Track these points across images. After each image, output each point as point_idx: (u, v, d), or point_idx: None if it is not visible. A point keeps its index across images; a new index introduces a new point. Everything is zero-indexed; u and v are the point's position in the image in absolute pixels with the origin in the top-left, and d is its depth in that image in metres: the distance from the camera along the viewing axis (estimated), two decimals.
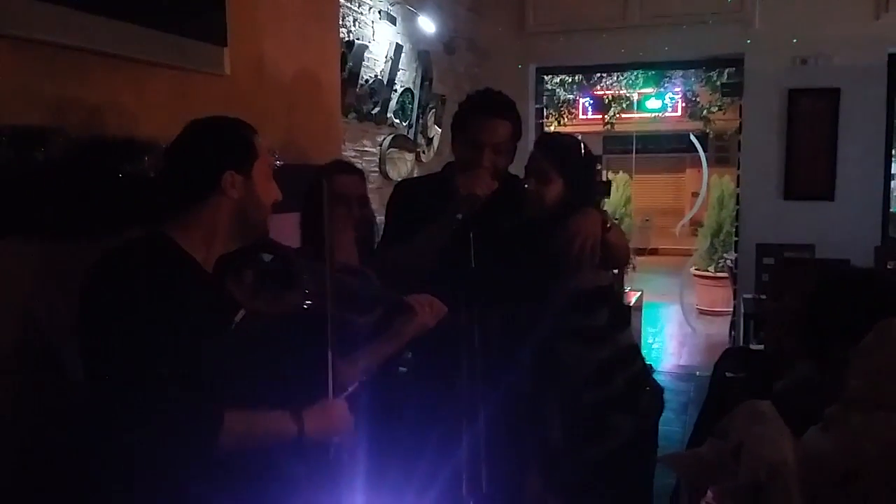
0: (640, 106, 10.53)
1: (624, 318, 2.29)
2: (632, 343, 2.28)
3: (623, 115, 10.38)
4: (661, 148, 14.08)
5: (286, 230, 1.86)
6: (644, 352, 6.29)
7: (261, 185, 1.58)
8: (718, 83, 8.18)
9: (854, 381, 1.50)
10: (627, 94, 9.72)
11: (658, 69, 8.22)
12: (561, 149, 2.16)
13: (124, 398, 1.33)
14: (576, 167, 2.13)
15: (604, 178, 9.93)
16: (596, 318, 2.14)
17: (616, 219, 10.97)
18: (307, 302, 1.54)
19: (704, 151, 9.65)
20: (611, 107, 10.04)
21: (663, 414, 2.26)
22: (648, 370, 2.36)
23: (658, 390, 2.34)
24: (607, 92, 9.66)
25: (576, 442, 2.13)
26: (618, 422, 2.13)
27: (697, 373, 6.08)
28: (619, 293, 2.37)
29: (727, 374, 2.41)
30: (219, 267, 1.56)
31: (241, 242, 1.59)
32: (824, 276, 2.11)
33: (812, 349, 1.86)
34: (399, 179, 4.66)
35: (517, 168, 2.26)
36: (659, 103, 10.35)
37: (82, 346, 1.41)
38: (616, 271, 4.73)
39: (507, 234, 2.09)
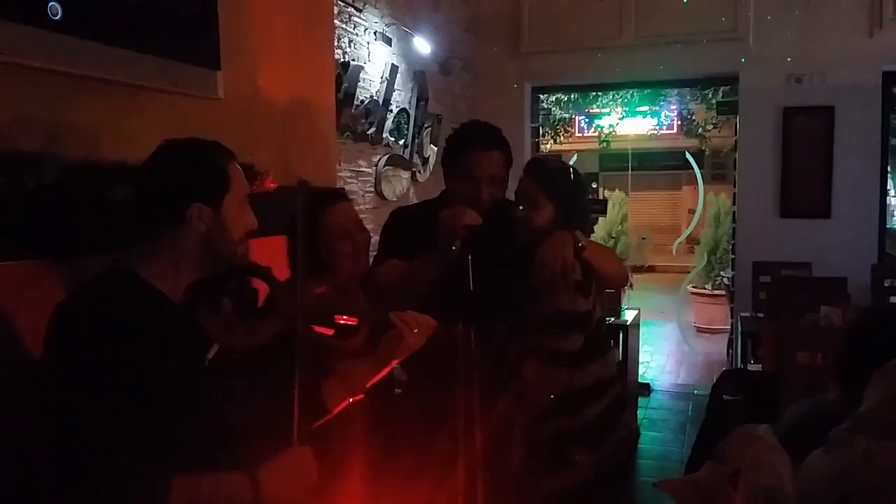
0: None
1: (601, 350, 2.21)
2: (607, 377, 2.18)
3: (618, 132, 10.40)
4: (658, 165, 14.13)
5: (276, 253, 1.83)
6: (641, 370, 6.28)
7: (231, 217, 1.47)
8: (714, 101, 8.19)
9: (868, 402, 1.48)
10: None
11: (653, 88, 8.26)
12: (550, 173, 2.15)
13: (72, 451, 1.24)
14: (565, 192, 2.12)
15: (600, 197, 9.91)
16: (567, 342, 2.10)
17: (612, 237, 10.99)
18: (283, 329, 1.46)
19: (700, 169, 9.67)
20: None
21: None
22: (625, 407, 2.30)
23: (633, 431, 2.29)
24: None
25: (533, 470, 2.10)
26: (577, 457, 2.08)
27: (696, 391, 6.03)
28: (602, 323, 2.29)
29: (725, 397, 2.39)
30: (189, 297, 1.46)
31: (208, 272, 1.49)
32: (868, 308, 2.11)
33: (843, 376, 1.85)
34: (394, 198, 4.68)
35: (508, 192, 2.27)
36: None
37: (42, 390, 1.33)
38: (613, 291, 4.71)
39: (499, 259, 2.08)
